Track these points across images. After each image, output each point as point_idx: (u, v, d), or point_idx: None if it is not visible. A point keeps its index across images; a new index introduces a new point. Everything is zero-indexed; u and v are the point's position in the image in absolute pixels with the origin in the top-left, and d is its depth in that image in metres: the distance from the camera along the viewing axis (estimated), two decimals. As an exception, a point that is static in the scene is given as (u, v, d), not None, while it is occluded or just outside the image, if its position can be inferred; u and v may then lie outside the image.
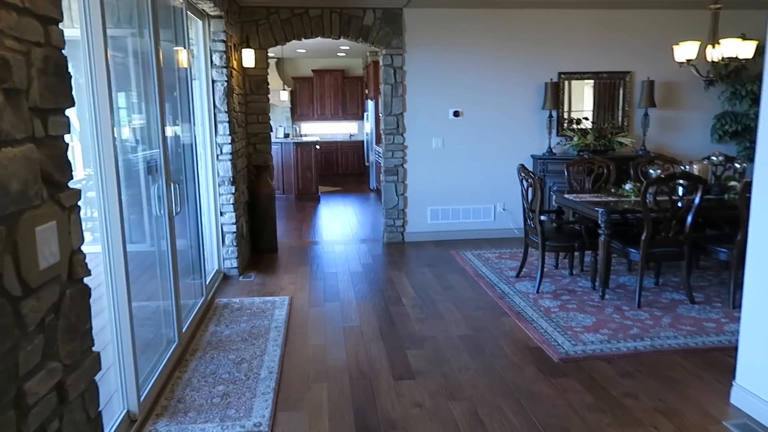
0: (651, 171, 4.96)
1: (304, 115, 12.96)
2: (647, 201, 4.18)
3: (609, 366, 3.42)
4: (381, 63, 6.55)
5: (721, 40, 4.62)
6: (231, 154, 5.23)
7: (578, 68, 6.68)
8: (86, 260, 1.89)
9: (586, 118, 6.79)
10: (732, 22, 5.71)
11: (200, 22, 4.95)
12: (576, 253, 5.16)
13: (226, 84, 5.11)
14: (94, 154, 2.59)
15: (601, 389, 3.14)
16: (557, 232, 5.02)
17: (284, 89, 12.03)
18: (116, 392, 2.79)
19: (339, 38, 6.39)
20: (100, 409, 1.99)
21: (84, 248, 1.88)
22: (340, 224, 7.96)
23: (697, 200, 4.22)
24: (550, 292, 4.73)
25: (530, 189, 4.80)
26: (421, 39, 6.45)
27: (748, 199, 2.93)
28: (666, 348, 3.63)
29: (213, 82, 5.10)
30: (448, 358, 3.57)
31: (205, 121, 5.11)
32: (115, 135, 2.65)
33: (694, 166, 4.82)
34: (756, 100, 6.42)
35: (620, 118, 6.81)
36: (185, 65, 4.30)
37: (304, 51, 11.32)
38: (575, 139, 6.57)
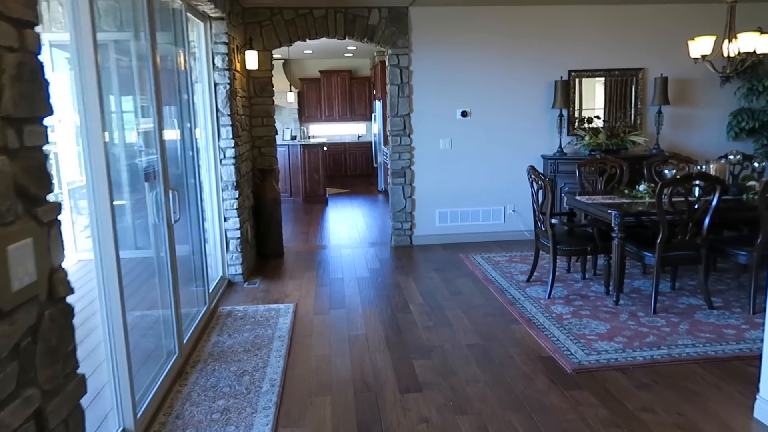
0: (666, 171, 4.79)
1: (312, 116, 12.86)
2: (662, 203, 4.03)
3: (624, 377, 3.28)
4: (387, 63, 6.43)
5: (738, 35, 4.45)
6: (234, 158, 5.13)
7: (589, 66, 6.52)
8: (68, 277, 1.78)
9: (598, 117, 6.63)
10: (748, 15, 5.54)
11: (202, 24, 4.86)
12: (588, 257, 5.01)
13: (228, 87, 5.01)
14: (84, 159, 2.49)
15: (616, 402, 3.00)
16: (569, 235, 4.87)
17: (291, 91, 11.93)
18: (111, 410, 2.69)
19: (344, 38, 6.28)
20: (87, 434, 1.89)
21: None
22: (347, 227, 7.85)
23: (714, 201, 4.06)
24: (562, 298, 4.58)
25: (540, 191, 4.65)
26: (428, 38, 6.32)
27: (771, 202, 2.78)
28: (684, 357, 3.48)
29: (215, 85, 5.00)
30: (456, 369, 3.44)
31: (207, 125, 5.02)
32: (106, 140, 2.55)
33: (711, 166, 4.65)
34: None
35: (633, 117, 6.64)
36: (185, 68, 4.21)
37: (311, 52, 11.22)
38: (586, 138, 6.41)
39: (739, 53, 4.50)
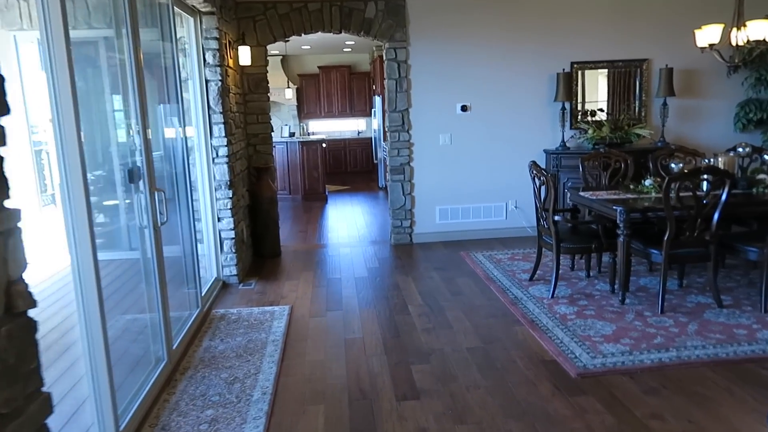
0: (672, 165, 4.64)
1: (311, 112, 12.72)
2: (670, 198, 3.88)
3: (631, 381, 3.13)
4: (384, 57, 6.27)
5: (747, 22, 4.28)
6: (227, 156, 5.00)
7: (592, 57, 6.35)
8: (29, 289, 1.65)
9: (601, 110, 6.46)
10: (758, 1, 5.34)
11: (192, 19, 4.72)
12: (593, 254, 4.86)
13: (220, 83, 4.87)
14: (58, 160, 2.36)
15: (623, 409, 2.86)
16: (572, 232, 4.72)
17: (289, 87, 11.78)
18: (93, 425, 2.57)
19: (340, 32, 6.12)
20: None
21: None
22: (346, 225, 7.71)
23: (724, 196, 3.90)
24: (566, 297, 4.44)
25: (543, 187, 4.50)
26: (426, 31, 6.16)
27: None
28: (693, 360, 3.33)
29: (207, 81, 4.86)
30: (456, 374, 3.30)
31: (199, 123, 4.88)
32: (83, 139, 2.42)
33: (720, 159, 4.49)
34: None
35: (637, 109, 6.47)
36: (174, 64, 4.06)
37: (309, 47, 11.06)
38: (590, 131, 6.25)
39: (748, 42, 4.33)
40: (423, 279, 5.15)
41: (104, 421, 2.56)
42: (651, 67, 6.39)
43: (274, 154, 9.55)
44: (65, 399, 2.99)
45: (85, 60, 3.39)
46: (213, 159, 4.98)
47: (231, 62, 5.37)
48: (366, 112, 12.69)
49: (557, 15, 6.22)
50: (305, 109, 12.68)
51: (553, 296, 4.44)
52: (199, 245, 5.02)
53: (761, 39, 4.24)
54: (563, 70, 6.23)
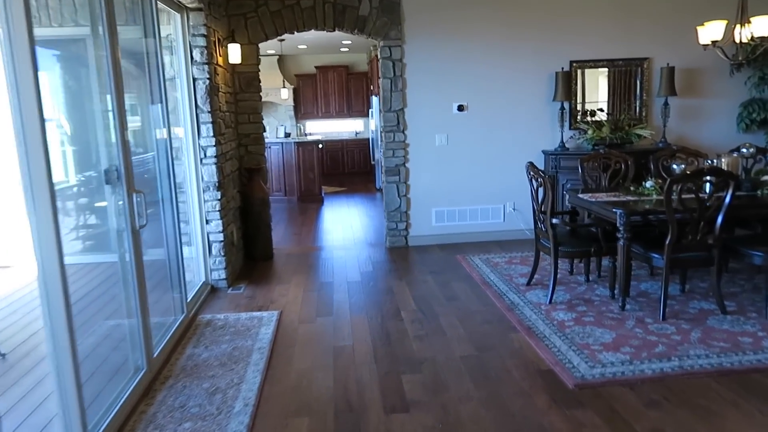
0: (674, 166, 4.49)
1: (309, 113, 12.58)
2: (672, 200, 3.73)
3: (632, 393, 2.98)
4: (379, 55, 6.13)
5: (751, 19, 4.14)
6: (216, 157, 4.85)
7: (591, 56, 6.20)
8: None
9: (601, 110, 6.31)
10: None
11: (178, 16, 4.58)
12: (593, 258, 4.71)
13: (208, 82, 4.73)
14: (20, 160, 2.22)
15: (623, 423, 2.71)
16: (571, 235, 4.57)
17: (284, 87, 11.63)
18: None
19: (333, 30, 5.98)
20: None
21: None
22: (342, 227, 7.56)
23: (728, 199, 3.76)
24: (564, 302, 4.29)
25: (540, 189, 4.36)
26: (421, 29, 6.01)
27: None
28: (697, 369, 3.18)
29: (194, 80, 4.72)
30: (448, 385, 3.15)
31: (186, 123, 4.74)
32: (47, 139, 2.27)
33: (723, 160, 4.35)
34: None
35: (638, 109, 6.32)
36: (157, 62, 3.92)
37: (306, 47, 10.93)
38: (590, 132, 6.11)
39: (752, 38, 4.19)
40: (417, 283, 5.00)
41: (72, 436, 2.41)
42: (652, 65, 6.24)
43: (268, 155, 9.46)
44: (36, 413, 2.84)
45: (61, 59, 3.26)
46: (201, 159, 4.83)
47: (221, 60, 5.23)
48: (364, 112, 12.55)
49: (556, 12, 6.08)
50: (302, 110, 12.55)
51: (550, 302, 4.29)
52: (187, 248, 4.89)
53: (766, 36, 4.09)
54: (562, 68, 6.08)
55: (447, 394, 3.05)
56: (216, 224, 4.93)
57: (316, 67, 12.31)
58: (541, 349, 3.53)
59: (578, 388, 3.04)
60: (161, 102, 3.95)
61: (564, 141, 6.11)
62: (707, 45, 4.39)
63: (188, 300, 4.30)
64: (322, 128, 12.85)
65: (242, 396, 3.09)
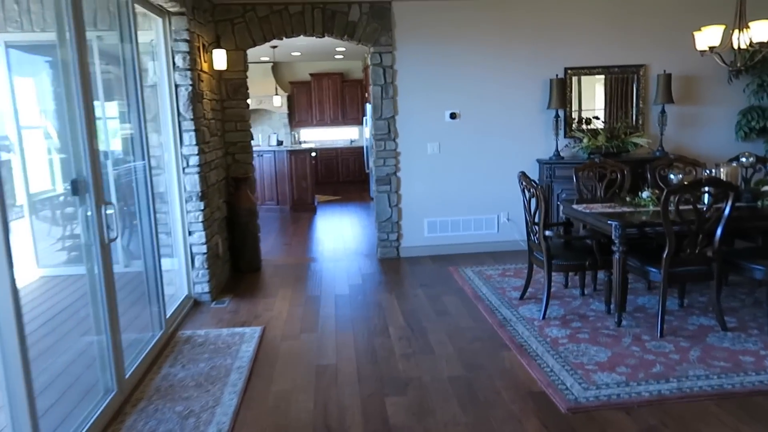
0: (672, 176, 4.34)
1: (303, 121, 12.44)
2: (669, 212, 3.58)
3: (628, 417, 2.82)
4: (369, 62, 5.99)
5: (749, 23, 4.00)
6: (199, 166, 4.70)
7: (586, 63, 6.06)
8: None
9: (597, 118, 6.17)
10: (760, 2, 5.06)
11: (160, 20, 4.44)
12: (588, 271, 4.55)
13: (191, 88, 4.58)
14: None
15: (619, 451, 2.55)
16: (565, 248, 4.42)
17: (277, 94, 11.48)
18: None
19: (323, 36, 5.84)
20: None
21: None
22: (333, 237, 7.40)
23: (727, 210, 3.61)
24: (558, 318, 4.13)
25: (533, 200, 4.20)
26: (413, 35, 5.88)
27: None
28: (696, 392, 3.01)
29: (176, 86, 4.58)
30: (434, 408, 2.98)
31: (168, 131, 4.59)
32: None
33: (722, 169, 4.20)
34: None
35: (634, 117, 6.18)
36: (134, 68, 3.77)
37: (300, 54, 10.81)
38: (585, 140, 5.96)
39: (750, 44, 4.05)
40: (407, 297, 4.84)
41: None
42: (648, 73, 6.11)
43: (260, 163, 9.32)
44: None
45: (30, 63, 3.12)
46: (183, 169, 4.68)
47: (206, 66, 5.08)
48: (359, 120, 12.42)
49: (550, 18, 5.95)
50: (297, 117, 12.41)
51: (544, 317, 4.12)
52: (169, 261, 4.73)
53: (765, 41, 3.95)
54: (557, 75, 5.95)
55: (432, 419, 2.88)
56: (199, 236, 4.77)
57: (310, 75, 12.18)
58: (533, 368, 3.36)
59: (571, 413, 2.87)
60: (138, 109, 3.80)
61: (559, 149, 5.97)
62: (705, 51, 4.25)
63: (168, 315, 4.13)
64: (316, 136, 12.71)
65: (216, 420, 2.92)
